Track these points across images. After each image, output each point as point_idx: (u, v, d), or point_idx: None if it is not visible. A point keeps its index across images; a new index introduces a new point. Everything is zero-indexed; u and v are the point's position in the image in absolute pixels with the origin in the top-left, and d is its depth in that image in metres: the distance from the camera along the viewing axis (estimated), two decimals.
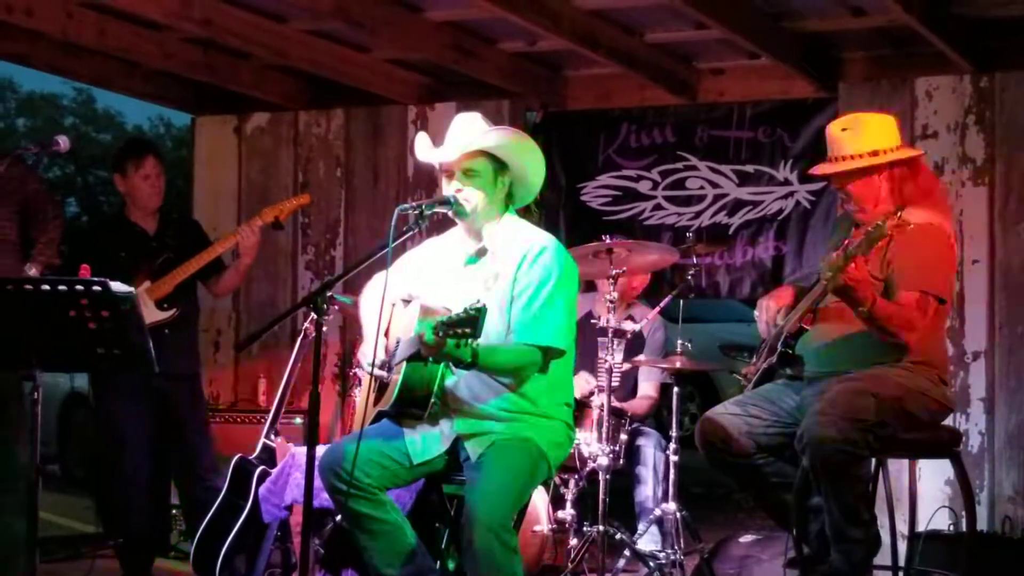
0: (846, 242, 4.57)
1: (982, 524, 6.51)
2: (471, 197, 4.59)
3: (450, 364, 4.47)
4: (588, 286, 6.96)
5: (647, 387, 6.71)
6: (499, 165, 4.62)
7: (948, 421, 5.90)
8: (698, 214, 7.64)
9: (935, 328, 4.85)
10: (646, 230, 7.69)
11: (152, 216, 6.52)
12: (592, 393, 6.23)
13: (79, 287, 4.48)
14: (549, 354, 4.55)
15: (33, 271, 5.90)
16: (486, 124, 4.64)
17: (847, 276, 4.46)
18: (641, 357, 6.52)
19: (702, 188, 7.65)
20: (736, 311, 12.56)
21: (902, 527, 5.38)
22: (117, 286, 4.49)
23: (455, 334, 4.11)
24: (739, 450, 4.93)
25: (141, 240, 6.45)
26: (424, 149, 4.70)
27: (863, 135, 4.84)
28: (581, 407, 6.04)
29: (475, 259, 4.68)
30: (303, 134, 8.31)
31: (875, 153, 4.81)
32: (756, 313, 5.11)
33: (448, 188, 4.62)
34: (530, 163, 4.68)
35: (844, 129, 4.88)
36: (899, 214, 4.44)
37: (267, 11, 6.95)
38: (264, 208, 6.47)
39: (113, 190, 6.66)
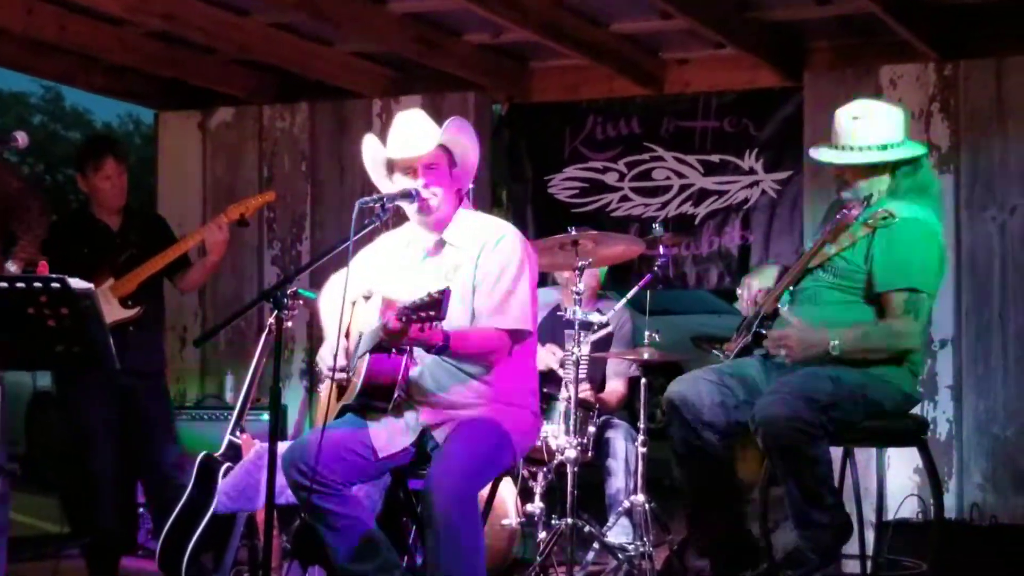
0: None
1: (951, 512, 6.52)
2: (437, 192, 4.59)
3: (413, 353, 4.46)
4: (553, 280, 6.95)
5: (616, 380, 6.70)
6: (452, 158, 4.64)
7: (916, 408, 5.92)
8: (664, 204, 7.63)
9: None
10: (613, 222, 7.67)
11: (116, 213, 6.46)
12: (561, 365, 6.21)
13: (37, 284, 4.43)
14: (515, 336, 4.54)
15: (14, 268, 5.82)
16: (430, 118, 4.66)
17: (789, 350, 4.55)
18: (611, 350, 6.51)
19: (668, 179, 7.64)
20: (708, 303, 12.60)
21: (871, 515, 5.38)
22: (76, 283, 4.43)
23: (420, 318, 4.10)
24: (708, 419, 4.87)
25: (105, 237, 6.40)
26: (380, 148, 4.68)
27: (874, 127, 4.82)
28: (549, 400, 6.04)
29: (434, 252, 4.67)
30: (268, 129, 8.26)
31: (884, 147, 4.80)
32: (739, 291, 5.11)
33: (413, 184, 4.59)
34: (468, 148, 4.69)
35: (855, 118, 4.85)
36: (867, 206, 4.42)
37: (229, 4, 6.91)
38: (229, 205, 6.42)
39: (80, 188, 6.59)
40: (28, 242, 5.87)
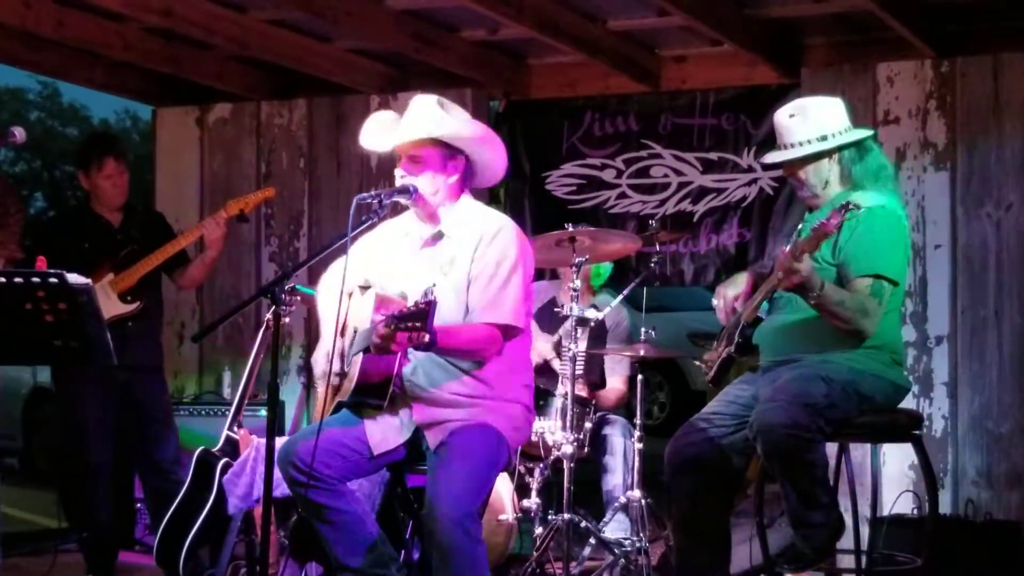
0: (791, 245, 4.60)
1: (945, 508, 6.54)
2: (420, 183, 4.59)
3: (407, 351, 4.47)
4: (552, 274, 6.96)
5: (615, 379, 6.70)
6: (450, 151, 4.61)
7: (912, 404, 5.93)
8: (663, 202, 7.64)
9: (888, 311, 4.85)
10: (611, 218, 7.68)
11: (117, 210, 6.49)
12: (556, 355, 6.23)
13: (35, 279, 4.44)
14: (507, 333, 4.54)
15: None
16: (439, 108, 4.61)
17: (798, 276, 4.48)
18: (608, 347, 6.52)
19: (666, 176, 7.65)
20: (704, 299, 12.55)
21: (866, 511, 5.39)
22: (74, 278, 4.44)
23: (406, 327, 4.11)
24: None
25: (105, 232, 6.42)
26: (371, 135, 4.68)
27: (810, 120, 4.85)
28: (545, 396, 6.05)
29: (431, 244, 4.68)
30: (265, 125, 8.27)
31: (824, 138, 4.83)
32: (714, 301, 5.12)
33: (399, 172, 4.62)
34: (489, 151, 4.68)
35: (792, 116, 4.89)
36: (846, 213, 4.43)
37: (227, 1, 6.92)
38: (229, 201, 6.44)
39: (80, 184, 6.62)
40: (7, 238, 5.89)
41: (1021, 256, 6.68)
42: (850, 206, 4.41)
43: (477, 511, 4.40)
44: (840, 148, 4.84)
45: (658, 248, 6.56)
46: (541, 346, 6.36)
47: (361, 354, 4.44)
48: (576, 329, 6.01)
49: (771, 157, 4.99)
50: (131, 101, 15.16)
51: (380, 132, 4.67)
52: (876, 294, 4.69)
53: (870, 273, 4.68)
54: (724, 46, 7.11)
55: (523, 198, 7.97)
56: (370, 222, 4.60)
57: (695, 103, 7.58)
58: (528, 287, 4.63)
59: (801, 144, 4.83)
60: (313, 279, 5.46)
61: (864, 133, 4.96)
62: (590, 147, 7.82)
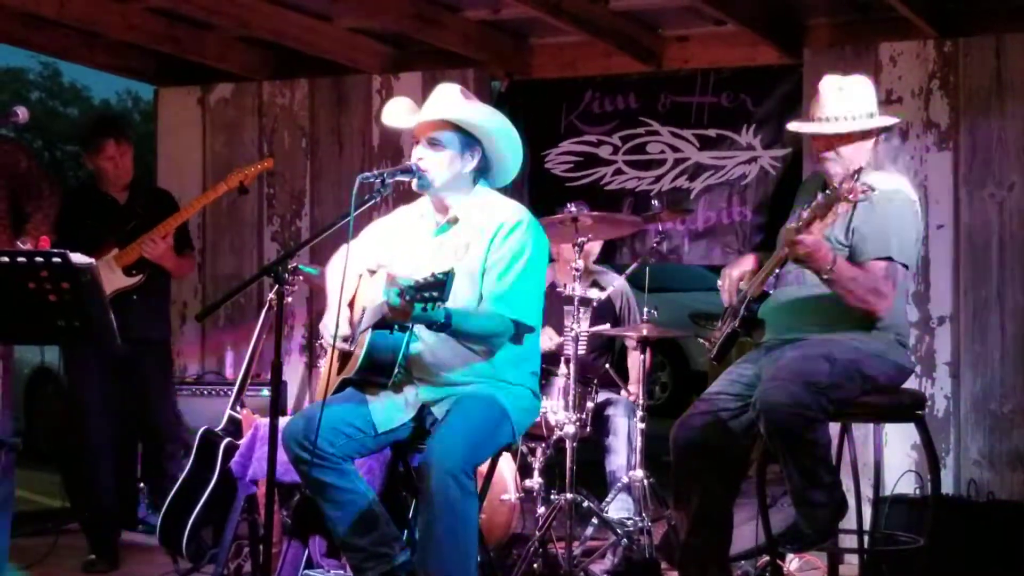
0: (801, 211, 4.60)
1: (947, 488, 6.54)
2: (431, 167, 4.59)
3: (415, 330, 4.47)
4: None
5: (637, 352, 6.64)
6: (468, 139, 4.62)
7: (914, 385, 5.93)
8: (658, 178, 7.61)
9: (897, 293, 4.86)
10: (607, 195, 7.66)
11: (123, 189, 6.54)
12: (559, 351, 6.23)
13: (39, 259, 4.45)
14: (520, 328, 4.55)
15: (28, 246, 5.86)
16: (462, 97, 4.63)
17: (802, 245, 4.47)
18: (606, 326, 6.52)
19: (662, 152, 7.62)
20: (705, 280, 12.60)
21: (868, 491, 5.40)
22: (77, 257, 4.45)
23: (423, 298, 4.11)
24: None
25: (111, 208, 6.48)
26: (393, 113, 4.69)
27: (858, 97, 4.86)
28: (548, 375, 6.06)
29: (445, 229, 4.68)
30: (267, 105, 8.26)
31: (872, 116, 4.85)
32: (719, 282, 5.12)
33: (416, 154, 4.62)
34: (505, 146, 4.69)
35: (840, 89, 4.88)
36: (857, 179, 4.43)
37: None
38: (230, 173, 6.48)
39: (81, 164, 6.67)
40: (39, 220, 5.91)
41: None
42: (861, 171, 4.42)
43: (471, 467, 4.38)
44: (882, 129, 4.87)
45: (659, 227, 6.55)
46: (542, 339, 6.36)
47: (370, 331, 4.45)
48: (579, 309, 6.01)
49: (819, 128, 4.90)
50: (132, 81, 15.18)
51: (401, 113, 4.68)
52: (889, 277, 4.70)
53: (884, 256, 4.70)
54: (727, 26, 7.08)
55: (523, 177, 7.90)
56: (372, 201, 4.60)
57: (695, 82, 7.56)
58: (543, 283, 4.65)
59: (853, 119, 4.83)
60: (315, 259, 5.46)
61: (897, 119, 5.00)
62: (588, 124, 7.80)
